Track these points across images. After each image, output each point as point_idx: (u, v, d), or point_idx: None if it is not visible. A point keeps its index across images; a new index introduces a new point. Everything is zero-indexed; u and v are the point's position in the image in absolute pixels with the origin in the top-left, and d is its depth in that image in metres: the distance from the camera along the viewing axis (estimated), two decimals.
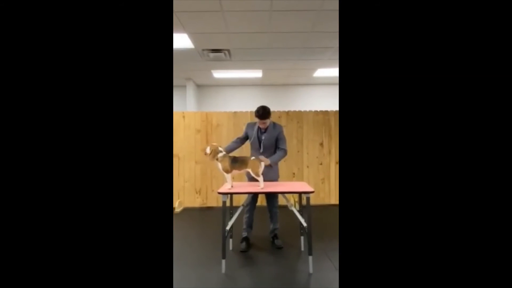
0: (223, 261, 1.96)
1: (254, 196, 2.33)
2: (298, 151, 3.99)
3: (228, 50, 3.72)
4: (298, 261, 2.14)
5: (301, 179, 3.95)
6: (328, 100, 5.56)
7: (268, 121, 2.30)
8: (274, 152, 2.34)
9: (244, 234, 2.49)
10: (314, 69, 4.66)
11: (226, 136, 3.86)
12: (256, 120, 2.31)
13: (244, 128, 2.47)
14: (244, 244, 2.42)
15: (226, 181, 2.11)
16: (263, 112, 2.24)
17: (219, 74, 4.87)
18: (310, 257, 1.93)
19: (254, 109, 2.35)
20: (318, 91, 5.65)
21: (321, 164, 3.99)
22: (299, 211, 2.09)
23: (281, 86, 5.70)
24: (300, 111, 4.02)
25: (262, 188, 2.01)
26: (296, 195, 3.29)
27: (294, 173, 3.98)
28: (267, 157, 2.25)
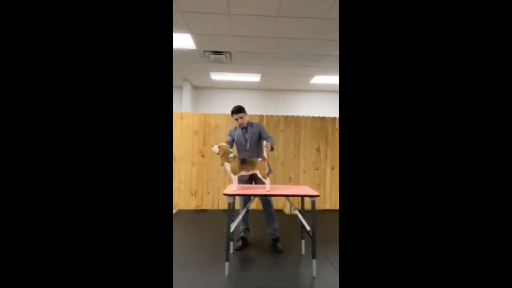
0: (227, 264, 1.94)
1: (247, 199, 2.36)
2: (295, 156, 4.03)
3: (230, 53, 3.73)
4: (300, 265, 2.15)
5: (297, 183, 3.98)
6: (323, 107, 5.67)
7: (244, 117, 2.49)
8: (258, 148, 2.50)
9: (242, 234, 2.55)
10: (312, 76, 4.74)
11: (224, 138, 3.84)
12: (234, 121, 2.53)
13: (227, 135, 2.63)
14: (240, 242, 2.48)
15: (232, 183, 2.09)
16: (237, 108, 2.48)
17: (217, 76, 4.86)
18: (314, 261, 1.95)
19: (252, 112, 2.58)
20: (314, 98, 5.75)
21: (317, 169, 4.04)
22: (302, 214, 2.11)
23: (277, 91, 5.76)
24: (298, 116, 4.06)
25: (268, 191, 2.01)
26: (296, 199, 3.32)
27: (290, 178, 4.00)
28: (252, 155, 2.41)
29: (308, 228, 2.05)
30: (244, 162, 2.07)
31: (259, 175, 2.06)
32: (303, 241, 2.42)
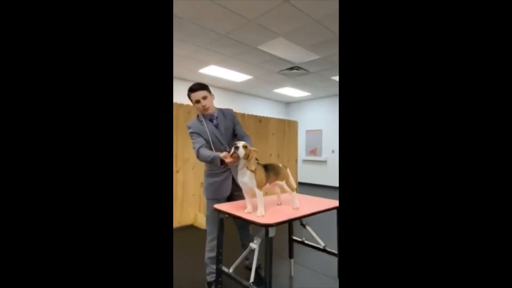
0: None
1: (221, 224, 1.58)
2: None
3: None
4: None
5: None
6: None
7: (209, 97, 1.67)
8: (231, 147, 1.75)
9: (212, 277, 1.71)
10: (207, 64, 4.14)
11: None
12: (195, 103, 1.65)
13: (192, 134, 1.66)
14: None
15: (251, 202, 1.29)
16: (199, 84, 1.65)
17: None
18: None
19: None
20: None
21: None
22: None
23: None
24: None
25: (297, 209, 1.44)
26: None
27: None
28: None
29: (322, 243, 1.70)
30: (267, 170, 1.36)
31: (285, 187, 1.43)
32: (291, 261, 1.99)
